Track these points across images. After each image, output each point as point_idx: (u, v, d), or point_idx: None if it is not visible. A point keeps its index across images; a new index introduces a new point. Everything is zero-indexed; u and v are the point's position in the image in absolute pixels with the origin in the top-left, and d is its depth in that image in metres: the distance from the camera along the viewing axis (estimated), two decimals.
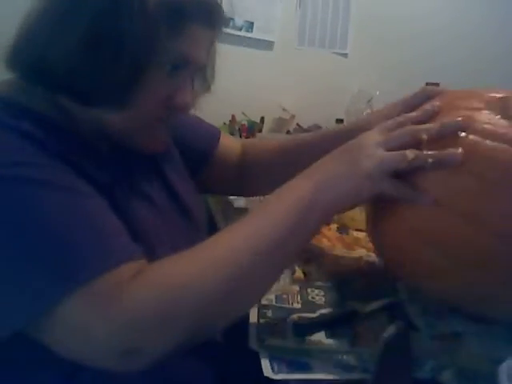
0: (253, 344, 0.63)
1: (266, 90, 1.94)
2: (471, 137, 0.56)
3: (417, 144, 0.57)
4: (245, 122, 1.89)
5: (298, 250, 0.58)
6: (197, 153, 0.83)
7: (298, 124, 1.96)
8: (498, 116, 0.58)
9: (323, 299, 0.73)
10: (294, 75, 1.99)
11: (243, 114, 1.90)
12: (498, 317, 0.64)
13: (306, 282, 0.78)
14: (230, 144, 0.88)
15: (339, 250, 0.86)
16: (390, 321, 0.67)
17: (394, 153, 0.56)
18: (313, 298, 0.73)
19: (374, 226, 0.68)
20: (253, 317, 0.67)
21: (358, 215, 0.98)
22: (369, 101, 1.70)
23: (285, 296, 0.72)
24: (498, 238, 0.53)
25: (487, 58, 2.02)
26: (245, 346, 0.63)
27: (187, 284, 0.50)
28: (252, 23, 1.90)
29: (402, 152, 0.56)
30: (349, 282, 0.76)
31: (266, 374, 0.57)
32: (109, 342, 0.47)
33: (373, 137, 0.59)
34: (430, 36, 2.02)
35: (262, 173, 0.86)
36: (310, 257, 0.83)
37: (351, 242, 0.91)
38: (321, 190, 0.56)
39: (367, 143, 0.58)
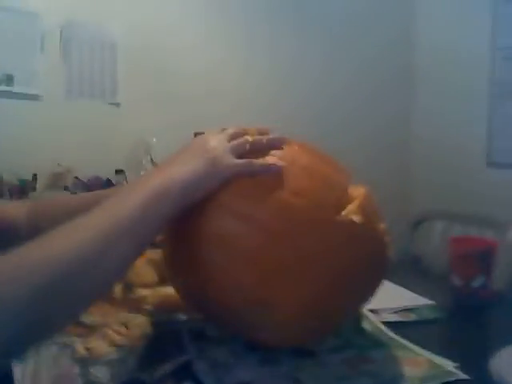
0: None
1: (36, 145, 1.81)
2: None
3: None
4: (16, 182, 1.72)
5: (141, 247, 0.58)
6: None
7: (76, 177, 1.86)
8: None
9: (109, 376, 0.67)
10: (66, 128, 1.89)
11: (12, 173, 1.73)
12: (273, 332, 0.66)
13: (89, 359, 0.71)
14: (6, 210, 0.81)
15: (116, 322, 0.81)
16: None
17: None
18: (97, 377, 0.67)
19: (175, 254, 0.69)
20: None
21: (143, 270, 0.95)
22: (147, 150, 1.70)
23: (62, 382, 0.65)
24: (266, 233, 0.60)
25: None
26: None
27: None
28: (12, 76, 1.76)
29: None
30: (133, 351, 0.72)
31: None
32: None
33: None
34: (200, 85, 2.11)
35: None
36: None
37: (138, 300, 0.86)
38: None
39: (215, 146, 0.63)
